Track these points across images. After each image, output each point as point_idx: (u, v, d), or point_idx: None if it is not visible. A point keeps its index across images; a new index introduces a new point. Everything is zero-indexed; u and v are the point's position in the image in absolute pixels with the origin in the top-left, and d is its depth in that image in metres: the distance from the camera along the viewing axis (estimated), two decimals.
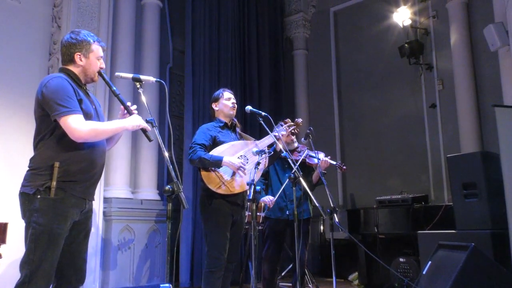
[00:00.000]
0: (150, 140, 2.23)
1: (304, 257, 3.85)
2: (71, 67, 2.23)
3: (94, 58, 2.26)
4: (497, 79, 5.10)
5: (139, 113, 2.32)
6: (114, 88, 2.30)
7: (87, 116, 2.14)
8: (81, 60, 2.22)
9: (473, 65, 5.82)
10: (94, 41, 2.26)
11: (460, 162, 3.69)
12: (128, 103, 2.32)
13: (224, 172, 3.04)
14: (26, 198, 2.04)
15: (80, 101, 2.12)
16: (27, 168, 2.12)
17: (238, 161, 3.00)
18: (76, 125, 2.03)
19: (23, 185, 2.08)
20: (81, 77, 2.25)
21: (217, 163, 2.99)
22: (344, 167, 4.02)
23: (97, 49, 2.27)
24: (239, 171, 2.99)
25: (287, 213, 3.74)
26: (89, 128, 2.08)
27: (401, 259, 4.79)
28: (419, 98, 6.41)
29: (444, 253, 3.19)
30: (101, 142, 2.24)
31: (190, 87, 5.68)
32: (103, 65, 2.33)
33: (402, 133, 6.50)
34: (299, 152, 3.90)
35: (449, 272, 2.85)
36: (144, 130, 2.21)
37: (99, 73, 2.30)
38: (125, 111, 2.32)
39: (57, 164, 2.04)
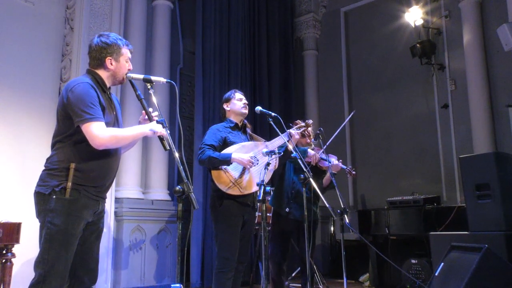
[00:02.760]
0: (166, 149, 2.18)
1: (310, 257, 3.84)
2: (100, 71, 2.24)
3: (124, 61, 2.28)
4: (511, 79, 5.03)
5: None
6: (139, 92, 2.32)
7: (107, 125, 2.14)
8: (111, 64, 2.24)
9: (486, 65, 5.75)
10: (123, 45, 2.28)
11: (473, 163, 3.64)
12: (150, 109, 2.32)
13: (234, 171, 3.04)
14: (42, 198, 2.07)
15: (102, 109, 2.14)
16: (43, 168, 2.14)
17: (247, 156, 3.00)
18: (97, 132, 2.05)
19: (38, 185, 2.10)
20: (108, 81, 2.27)
21: (227, 160, 2.99)
22: (354, 172, 3.98)
23: (126, 52, 2.29)
24: (249, 165, 2.98)
25: (287, 210, 3.72)
26: (109, 135, 2.09)
27: (412, 261, 4.76)
28: (431, 98, 6.35)
29: (456, 254, 3.15)
30: (117, 149, 2.25)
31: (200, 88, 5.70)
32: (131, 67, 2.34)
33: (413, 133, 6.45)
34: None
35: (462, 274, 2.82)
36: (161, 138, 2.20)
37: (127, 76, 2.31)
38: (146, 116, 2.32)
39: (72, 165, 2.06)
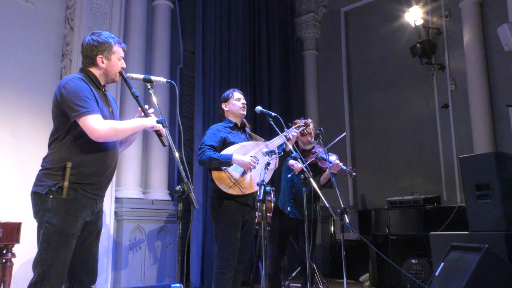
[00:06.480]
0: (164, 145, 2.20)
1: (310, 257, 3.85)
2: (92, 69, 2.24)
3: (116, 59, 2.27)
4: (511, 79, 5.03)
5: None
6: (134, 90, 2.32)
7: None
8: (103, 62, 2.23)
9: (486, 65, 5.75)
10: (115, 43, 2.27)
11: (473, 163, 3.64)
12: (146, 106, 2.32)
13: (235, 171, 3.04)
14: (39, 197, 2.06)
15: (97, 104, 2.13)
16: (40, 168, 2.14)
17: (248, 158, 3.00)
18: (95, 124, 2.04)
19: (35, 185, 2.10)
20: (101, 79, 2.27)
21: (227, 161, 2.99)
22: (354, 174, 3.97)
23: (118, 51, 2.28)
24: (250, 167, 2.98)
25: (289, 209, 3.74)
26: (108, 127, 2.09)
27: (413, 261, 4.76)
28: (431, 98, 6.35)
29: (457, 254, 3.15)
30: (114, 145, 2.25)
31: (201, 88, 5.70)
32: (124, 65, 2.33)
33: (414, 133, 6.45)
34: (314, 153, 3.88)
35: (462, 274, 2.81)
36: (159, 134, 2.21)
37: (120, 74, 2.31)
38: (142, 113, 2.32)
39: (69, 164, 2.05)
